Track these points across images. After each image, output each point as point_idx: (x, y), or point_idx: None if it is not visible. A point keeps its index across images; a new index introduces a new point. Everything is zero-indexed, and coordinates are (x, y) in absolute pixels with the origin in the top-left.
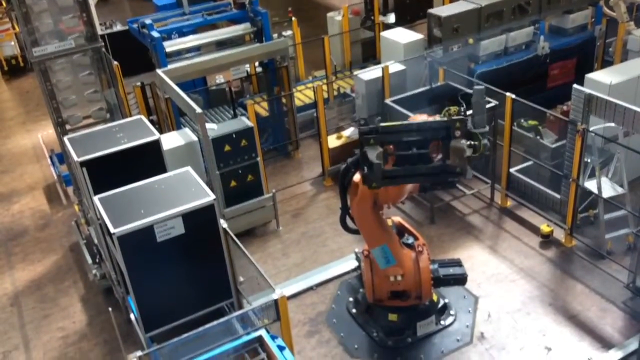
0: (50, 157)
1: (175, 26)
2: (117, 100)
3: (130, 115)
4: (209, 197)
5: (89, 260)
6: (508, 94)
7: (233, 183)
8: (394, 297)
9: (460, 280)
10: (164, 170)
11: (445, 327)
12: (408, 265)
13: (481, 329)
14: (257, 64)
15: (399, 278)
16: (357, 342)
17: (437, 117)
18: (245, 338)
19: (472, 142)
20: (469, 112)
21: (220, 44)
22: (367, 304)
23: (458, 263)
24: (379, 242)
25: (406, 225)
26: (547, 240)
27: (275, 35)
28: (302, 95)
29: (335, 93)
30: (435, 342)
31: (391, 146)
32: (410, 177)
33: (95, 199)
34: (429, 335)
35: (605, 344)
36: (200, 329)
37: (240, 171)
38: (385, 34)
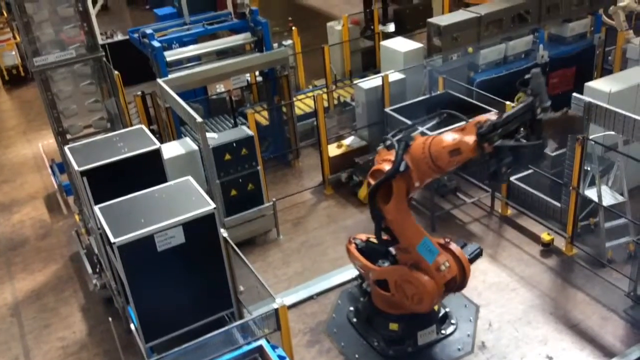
0: (51, 167)
1: (176, 36)
2: (117, 109)
3: (131, 125)
4: (210, 206)
5: (89, 270)
6: (508, 102)
7: (233, 192)
8: (446, 291)
9: (480, 254)
10: (165, 180)
11: (446, 336)
12: (446, 254)
13: (482, 338)
14: (257, 73)
15: (447, 264)
16: (358, 351)
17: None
18: (246, 348)
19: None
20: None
21: (221, 54)
22: (367, 313)
23: (465, 242)
24: (422, 236)
25: None
26: (548, 249)
27: (275, 45)
28: (302, 104)
29: (336, 102)
30: (436, 352)
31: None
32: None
33: (96, 208)
34: (430, 345)
35: (607, 352)
36: (201, 338)
37: (240, 180)
38: (385, 43)
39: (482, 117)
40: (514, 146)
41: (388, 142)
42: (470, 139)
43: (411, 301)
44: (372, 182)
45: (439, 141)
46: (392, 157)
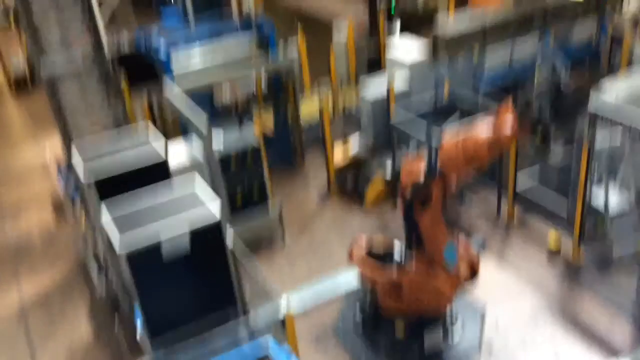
0: (58, 172)
1: (183, 46)
2: (125, 117)
3: (138, 131)
4: (216, 213)
5: (96, 276)
6: None
7: (239, 197)
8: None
9: (485, 244)
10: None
11: (453, 338)
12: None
13: (489, 339)
14: (263, 79)
15: (465, 269)
16: (364, 353)
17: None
18: (252, 350)
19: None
20: None
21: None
22: (374, 316)
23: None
24: (447, 242)
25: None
26: (555, 250)
27: (281, 51)
28: (308, 109)
29: (341, 106)
30: (443, 354)
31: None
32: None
33: (102, 216)
34: (436, 347)
35: (615, 353)
36: (207, 341)
37: (246, 185)
38: (391, 51)
39: (507, 106)
40: (553, 102)
41: (413, 152)
42: (507, 127)
43: (427, 303)
44: (408, 192)
45: (474, 139)
46: (422, 166)
